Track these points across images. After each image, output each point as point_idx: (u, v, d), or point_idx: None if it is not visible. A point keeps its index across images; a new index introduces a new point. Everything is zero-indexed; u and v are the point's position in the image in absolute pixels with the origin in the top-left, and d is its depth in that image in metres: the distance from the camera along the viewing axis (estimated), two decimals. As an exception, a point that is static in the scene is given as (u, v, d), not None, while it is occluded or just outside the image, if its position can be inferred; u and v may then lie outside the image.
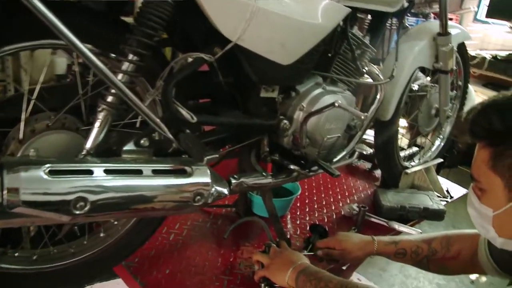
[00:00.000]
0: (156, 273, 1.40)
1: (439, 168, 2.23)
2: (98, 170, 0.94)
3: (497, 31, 4.81)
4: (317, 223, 1.75)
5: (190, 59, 1.11)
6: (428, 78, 1.95)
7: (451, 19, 4.45)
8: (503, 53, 4.40)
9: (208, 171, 1.10)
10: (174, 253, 1.51)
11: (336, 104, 1.20)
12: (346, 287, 1.11)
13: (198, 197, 1.08)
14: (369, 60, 1.52)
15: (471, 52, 4.36)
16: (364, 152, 1.53)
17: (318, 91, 1.37)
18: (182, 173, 1.07)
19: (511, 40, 4.66)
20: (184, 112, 1.08)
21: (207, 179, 1.09)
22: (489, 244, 1.27)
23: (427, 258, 1.37)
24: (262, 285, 1.34)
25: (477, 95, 3.74)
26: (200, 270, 1.44)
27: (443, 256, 1.35)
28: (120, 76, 1.02)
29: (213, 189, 1.11)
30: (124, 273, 1.40)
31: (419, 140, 2.16)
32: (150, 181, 1.01)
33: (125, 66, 1.03)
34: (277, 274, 1.28)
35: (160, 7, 1.00)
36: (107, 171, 0.95)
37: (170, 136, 1.07)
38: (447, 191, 2.14)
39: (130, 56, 1.03)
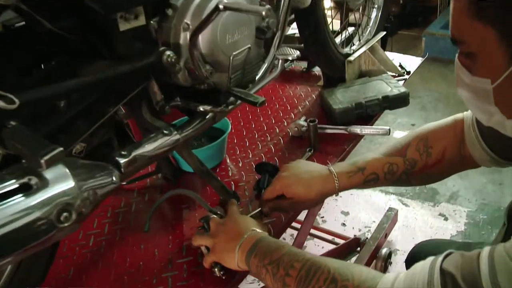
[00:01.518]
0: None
1: (383, 43, 1.86)
2: None
3: None
4: (264, 160, 1.40)
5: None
6: None
7: None
8: None
9: (66, 170, 0.71)
10: (98, 264, 1.16)
11: (221, 6, 0.80)
12: (315, 273, 0.78)
13: (65, 214, 0.70)
14: None
15: None
16: (290, 57, 1.14)
17: (201, -4, 0.95)
18: (24, 190, 0.68)
19: None
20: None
21: (68, 182, 0.71)
22: (479, 128, 0.96)
23: (406, 173, 1.04)
24: (216, 270, 1.01)
25: None
26: (135, 276, 1.09)
27: (424, 164, 1.03)
28: None
29: (85, 192, 0.73)
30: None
31: (352, 18, 1.78)
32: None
33: None
34: (225, 257, 0.96)
35: None
36: None
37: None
38: (401, 66, 1.80)
39: None
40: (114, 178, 0.83)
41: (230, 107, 1.07)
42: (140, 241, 1.20)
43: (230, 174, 1.39)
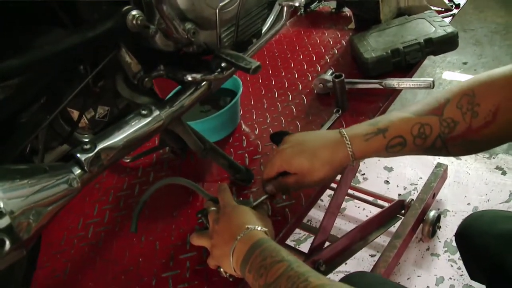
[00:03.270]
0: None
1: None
2: None
3: None
4: (282, 129, 1.19)
5: None
6: None
7: None
8: None
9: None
10: (95, 260, 1.02)
11: None
12: None
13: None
14: None
15: None
16: (297, 3, 0.89)
17: None
18: None
19: None
20: None
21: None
22: None
23: (442, 138, 0.79)
24: (222, 270, 0.83)
25: None
26: (133, 276, 0.94)
27: (468, 127, 0.76)
28: None
29: (19, 211, 0.56)
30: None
31: None
32: None
33: None
34: (222, 262, 0.80)
35: None
36: None
37: None
38: (448, -3, 1.50)
39: None
40: (72, 184, 0.65)
41: (226, 72, 0.86)
42: (141, 231, 1.04)
43: (245, 145, 1.19)
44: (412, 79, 1.18)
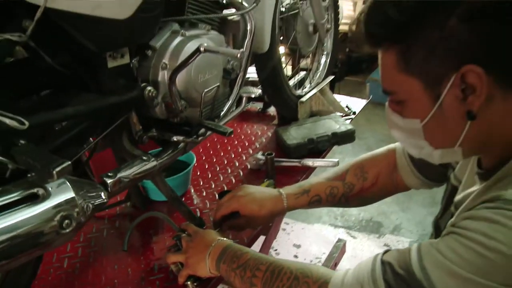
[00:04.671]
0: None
1: (332, 87, 2.07)
2: None
3: None
4: (225, 189, 1.54)
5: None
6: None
7: None
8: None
9: (68, 183, 0.83)
10: (74, 283, 1.24)
11: (202, 49, 0.95)
12: (280, 274, 0.91)
13: (67, 221, 0.81)
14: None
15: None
16: (253, 95, 1.30)
17: (177, 40, 1.11)
18: (33, 199, 0.79)
19: None
20: (8, 120, 0.78)
21: (70, 194, 0.82)
22: (410, 156, 1.14)
23: (345, 196, 1.21)
24: (189, 284, 1.12)
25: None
26: (110, 292, 1.19)
27: (361, 188, 1.19)
28: None
29: (82, 203, 0.84)
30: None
31: (304, 63, 1.98)
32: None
33: None
34: (198, 267, 1.07)
35: None
36: None
37: (-1, 156, 0.78)
38: (347, 107, 2.01)
39: None
40: (103, 195, 0.95)
41: (200, 138, 1.22)
42: (114, 261, 1.29)
43: (195, 203, 1.51)
44: (323, 160, 1.60)
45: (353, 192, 1.21)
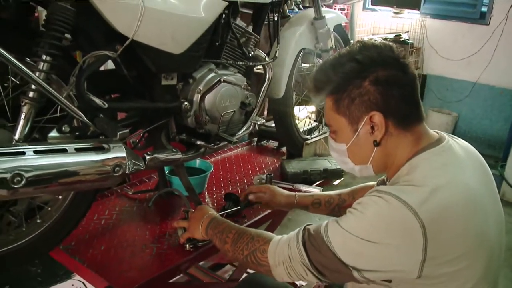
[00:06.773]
0: (92, 251, 1.59)
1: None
2: (29, 151, 1.14)
3: (384, 17, 5.32)
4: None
5: (95, 57, 1.32)
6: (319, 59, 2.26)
7: (343, 9, 4.89)
8: (391, 36, 4.89)
9: (123, 148, 1.31)
10: (106, 234, 1.71)
11: (221, 80, 1.46)
12: (243, 236, 1.33)
13: (117, 168, 1.29)
14: (254, 45, 1.79)
15: (365, 37, 4.80)
16: (259, 122, 1.79)
17: (211, 75, 1.61)
18: (101, 149, 1.28)
19: (396, 23, 5.17)
20: (97, 100, 1.29)
21: (123, 154, 1.30)
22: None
23: (338, 206, 1.64)
24: (187, 245, 1.57)
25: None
26: (131, 243, 1.65)
27: (350, 203, 1.61)
28: (37, 74, 1.21)
29: (129, 162, 1.33)
30: (62, 255, 1.58)
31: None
32: (74, 158, 1.22)
33: (41, 65, 1.22)
34: (195, 230, 1.51)
35: (63, 13, 1.20)
36: (36, 152, 1.15)
37: (87, 120, 1.28)
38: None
39: (44, 57, 1.22)
40: (141, 164, 1.43)
41: (216, 146, 1.70)
42: (137, 226, 1.76)
43: (206, 200, 1.98)
44: (310, 186, 2.05)
45: (344, 205, 1.64)
